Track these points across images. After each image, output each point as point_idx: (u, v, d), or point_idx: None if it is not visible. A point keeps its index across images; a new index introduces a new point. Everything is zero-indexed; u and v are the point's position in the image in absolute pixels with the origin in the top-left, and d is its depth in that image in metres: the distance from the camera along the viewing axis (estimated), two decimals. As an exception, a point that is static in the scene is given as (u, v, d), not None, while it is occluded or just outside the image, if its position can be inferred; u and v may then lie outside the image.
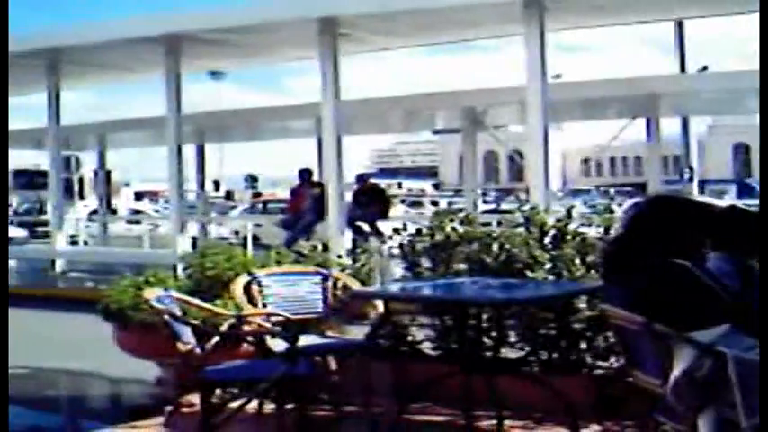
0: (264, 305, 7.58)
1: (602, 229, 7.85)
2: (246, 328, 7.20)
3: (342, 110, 17.79)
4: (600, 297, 6.55)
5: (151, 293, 6.71)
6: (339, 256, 9.60)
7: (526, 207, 8.58)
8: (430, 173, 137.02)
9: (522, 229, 8.03)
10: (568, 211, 8.10)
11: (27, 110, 32.42)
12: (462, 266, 8.01)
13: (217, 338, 6.69)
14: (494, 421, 7.07)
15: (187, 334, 6.50)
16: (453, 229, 8.23)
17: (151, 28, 18.75)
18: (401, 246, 8.51)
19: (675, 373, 4.71)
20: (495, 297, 7.20)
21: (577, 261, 7.60)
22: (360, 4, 16.81)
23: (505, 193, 77.77)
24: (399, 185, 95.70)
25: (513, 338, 7.81)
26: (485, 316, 7.50)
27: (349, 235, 18.88)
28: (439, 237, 8.23)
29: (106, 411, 9.89)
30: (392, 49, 21.47)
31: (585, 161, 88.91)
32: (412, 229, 8.82)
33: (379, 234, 20.30)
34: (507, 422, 7.12)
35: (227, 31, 18.08)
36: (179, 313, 6.72)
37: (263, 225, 29.31)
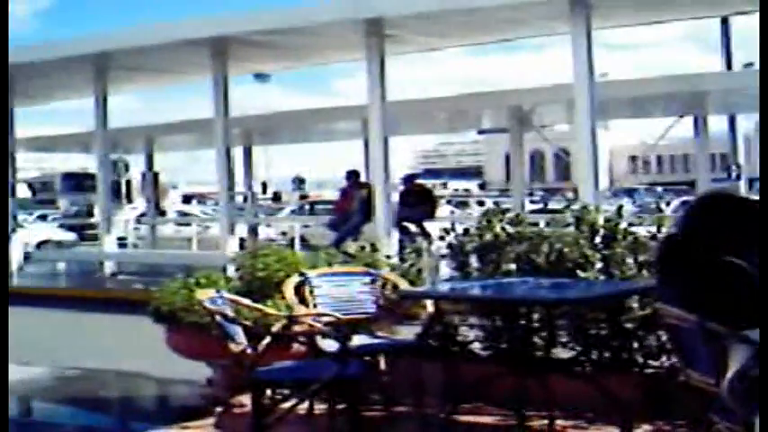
0: (315, 305, 7.61)
1: (653, 228, 7.81)
2: (297, 328, 7.22)
3: (388, 111, 17.81)
4: (652, 296, 6.52)
5: (204, 295, 6.75)
6: (388, 257, 9.59)
7: (575, 206, 8.55)
8: (475, 173, 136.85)
9: (572, 229, 8.00)
10: (619, 210, 8.07)
11: (74, 114, 32.73)
12: (512, 266, 7.99)
13: (268, 339, 6.70)
14: (545, 421, 7.06)
15: (239, 335, 6.53)
16: (503, 228, 8.21)
17: (198, 31, 18.85)
18: (450, 246, 8.50)
19: (730, 372, 4.68)
20: (546, 297, 7.18)
21: (629, 260, 7.57)
22: (406, 4, 16.81)
23: (551, 192, 77.54)
24: (444, 186, 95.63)
25: (563, 338, 7.78)
26: (535, 316, 7.49)
27: (397, 235, 18.88)
28: (488, 237, 8.22)
29: (157, 412, 9.95)
30: (438, 49, 21.48)
31: (633, 159, 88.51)
32: (460, 229, 8.78)
33: (426, 234, 20.29)
34: (559, 422, 7.11)
35: (273, 33, 18.13)
36: (231, 314, 6.76)
37: (310, 226, 29.38)
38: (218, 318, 6.54)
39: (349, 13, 17.29)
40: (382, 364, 7.67)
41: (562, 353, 7.74)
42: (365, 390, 7.37)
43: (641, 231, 7.89)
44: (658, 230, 7.68)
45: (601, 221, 7.93)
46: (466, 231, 8.53)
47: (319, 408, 7.32)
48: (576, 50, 15.57)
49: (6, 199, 24.72)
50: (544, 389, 6.87)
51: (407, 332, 7.85)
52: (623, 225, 7.87)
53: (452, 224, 8.73)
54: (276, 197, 62.82)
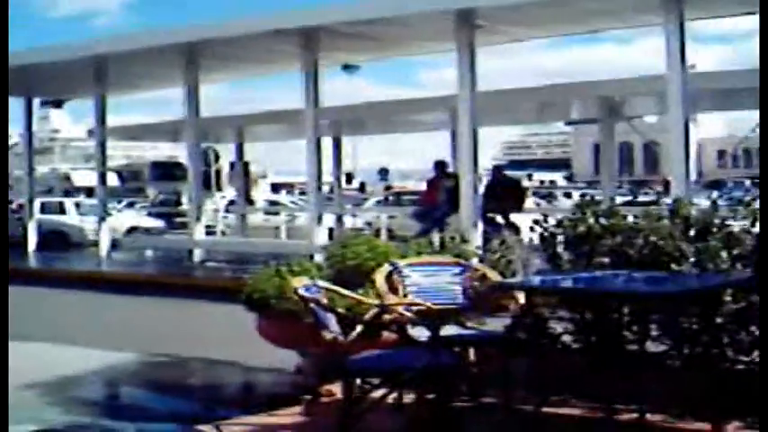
0: (405, 295, 7.63)
1: (745, 222, 7.70)
2: (388, 317, 7.25)
3: (477, 101, 17.78)
4: (748, 289, 6.46)
5: (298, 282, 6.79)
6: (477, 248, 9.58)
7: (668, 199, 8.46)
8: (561, 164, 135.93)
9: (665, 222, 7.91)
10: (714, 203, 7.97)
11: (158, 103, 33.19)
12: (605, 259, 7.91)
13: (361, 328, 6.73)
14: (634, 415, 7.02)
15: (332, 323, 6.56)
16: (596, 220, 8.13)
17: (289, 21, 18.95)
18: (542, 237, 8.45)
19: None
20: (646, 291, 7.10)
21: (723, 254, 7.46)
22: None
23: (638, 184, 76.81)
24: (530, 177, 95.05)
25: (654, 332, 7.71)
26: (626, 309, 7.43)
27: (481, 227, 18.83)
28: (581, 228, 8.15)
29: (246, 399, 10.02)
30: (526, 40, 21.40)
31: (721, 153, 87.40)
32: (551, 221, 8.70)
33: (512, 226, 20.23)
34: (648, 416, 7.07)
35: (364, 23, 18.17)
36: (325, 302, 6.79)
37: (396, 216, 29.42)
38: (312, 306, 6.58)
39: (441, 3, 17.28)
40: (472, 355, 7.68)
41: (652, 347, 7.68)
42: (455, 380, 7.38)
43: (734, 225, 7.79)
44: (752, 224, 7.58)
45: (695, 214, 7.84)
46: (559, 223, 8.45)
47: (408, 397, 7.34)
48: (669, 42, 15.42)
49: (6, 197, 25.23)
50: (634, 382, 6.83)
51: (495, 324, 7.84)
52: (717, 219, 7.78)
53: (545, 216, 8.64)
54: (361, 188, 63.04)
